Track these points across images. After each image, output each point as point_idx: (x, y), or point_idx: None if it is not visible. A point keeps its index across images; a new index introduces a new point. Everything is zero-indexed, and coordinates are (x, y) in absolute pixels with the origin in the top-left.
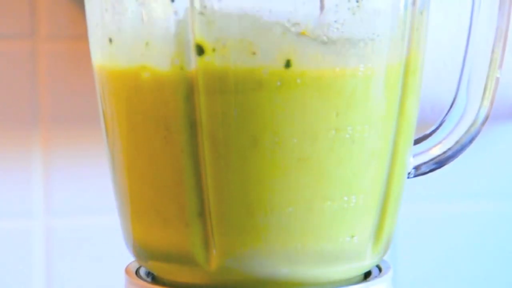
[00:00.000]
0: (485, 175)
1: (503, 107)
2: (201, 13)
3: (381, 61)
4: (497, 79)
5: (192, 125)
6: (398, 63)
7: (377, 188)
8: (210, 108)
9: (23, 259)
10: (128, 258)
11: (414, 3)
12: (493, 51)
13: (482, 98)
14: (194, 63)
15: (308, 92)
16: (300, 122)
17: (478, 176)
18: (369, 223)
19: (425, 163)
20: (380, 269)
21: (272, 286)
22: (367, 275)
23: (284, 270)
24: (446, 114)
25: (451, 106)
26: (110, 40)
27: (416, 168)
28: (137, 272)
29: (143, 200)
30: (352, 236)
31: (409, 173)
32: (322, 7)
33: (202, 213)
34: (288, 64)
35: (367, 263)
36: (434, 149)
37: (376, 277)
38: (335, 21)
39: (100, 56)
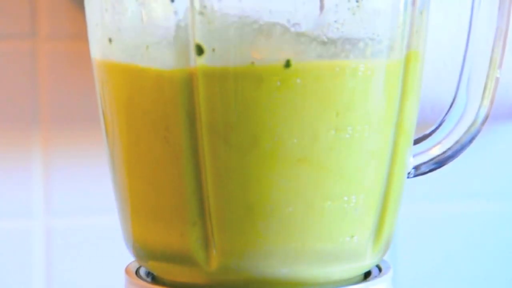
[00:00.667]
0: (485, 175)
1: (503, 107)
2: (201, 13)
3: (381, 61)
4: (497, 79)
5: (192, 125)
6: (398, 63)
7: (377, 188)
8: (210, 108)
9: (23, 259)
10: (128, 258)
11: (414, 3)
12: (493, 51)
13: (482, 98)
14: (194, 63)
15: (308, 92)
16: (300, 122)
17: (478, 176)
18: (369, 223)
19: (425, 163)
20: (380, 269)
21: (272, 286)
22: (367, 275)
23: (284, 270)
24: (446, 114)
25: (451, 106)
26: (110, 40)
27: (416, 168)
28: (137, 272)
29: (143, 200)
30: (352, 236)
31: (409, 173)
32: (322, 7)
33: (202, 213)
34: (288, 64)
35: (367, 263)
36: (434, 149)
37: (376, 277)
38: (335, 21)
39: (100, 56)
